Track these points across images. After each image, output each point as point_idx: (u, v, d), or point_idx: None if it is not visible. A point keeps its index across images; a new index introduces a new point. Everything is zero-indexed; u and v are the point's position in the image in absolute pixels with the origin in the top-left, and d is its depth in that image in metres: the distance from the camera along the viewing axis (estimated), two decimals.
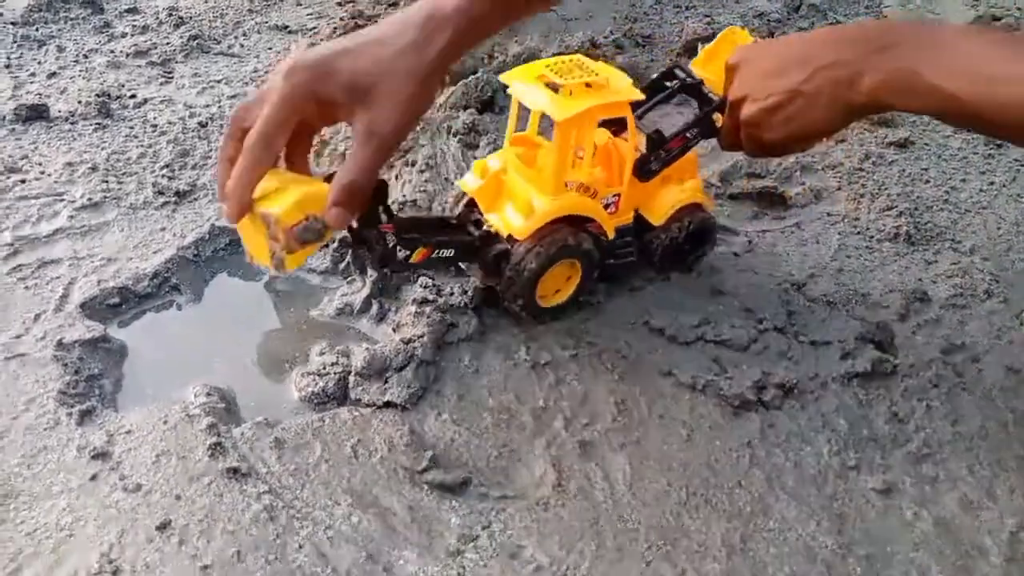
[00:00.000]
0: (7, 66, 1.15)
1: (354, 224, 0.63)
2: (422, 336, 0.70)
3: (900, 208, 0.90)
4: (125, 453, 0.62)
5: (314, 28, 1.28)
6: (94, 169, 0.94)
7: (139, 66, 1.17)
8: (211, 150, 0.98)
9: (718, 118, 0.73)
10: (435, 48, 0.56)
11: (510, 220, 0.70)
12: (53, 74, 1.14)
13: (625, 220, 0.76)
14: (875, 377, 0.71)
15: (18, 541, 0.56)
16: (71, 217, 0.86)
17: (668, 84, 0.76)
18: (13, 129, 1.00)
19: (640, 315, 0.76)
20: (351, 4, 1.32)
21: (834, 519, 0.60)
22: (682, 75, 0.76)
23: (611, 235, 0.74)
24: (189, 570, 0.55)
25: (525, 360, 0.71)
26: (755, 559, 0.58)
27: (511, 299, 0.72)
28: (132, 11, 1.32)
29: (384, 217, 0.64)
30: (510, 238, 0.70)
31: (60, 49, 1.20)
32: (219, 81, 1.14)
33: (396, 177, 0.93)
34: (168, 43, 1.23)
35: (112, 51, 1.20)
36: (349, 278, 0.80)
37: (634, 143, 0.72)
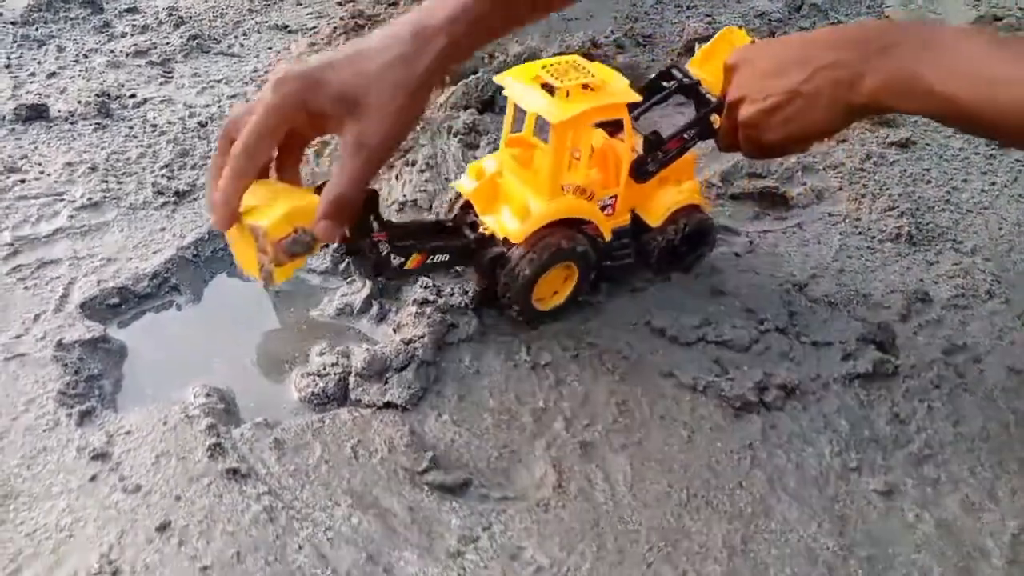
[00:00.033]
0: (7, 66, 1.15)
1: (346, 234, 0.63)
2: (422, 337, 0.70)
3: (902, 208, 0.90)
4: (125, 454, 0.62)
5: (314, 28, 1.28)
6: (94, 169, 0.93)
7: (139, 66, 1.17)
8: (211, 150, 0.98)
9: (716, 119, 0.72)
10: (425, 60, 0.56)
11: (506, 223, 0.70)
12: (53, 74, 1.13)
13: (622, 222, 0.75)
14: (877, 378, 0.71)
15: (18, 542, 0.56)
16: (71, 217, 0.86)
17: (665, 85, 0.76)
18: (13, 129, 1.00)
19: (641, 316, 0.76)
20: (351, 4, 1.32)
21: (835, 520, 0.60)
22: (679, 75, 0.76)
23: (608, 237, 0.73)
24: (189, 571, 0.55)
25: (526, 361, 0.71)
26: (756, 560, 0.57)
27: (507, 304, 0.71)
28: (132, 11, 1.32)
29: (376, 226, 0.64)
30: (506, 241, 0.70)
31: (60, 49, 1.20)
32: (219, 81, 1.14)
33: (396, 177, 0.93)
34: (168, 43, 1.23)
35: (112, 51, 1.20)
36: (349, 278, 0.79)
37: (631, 144, 0.71)
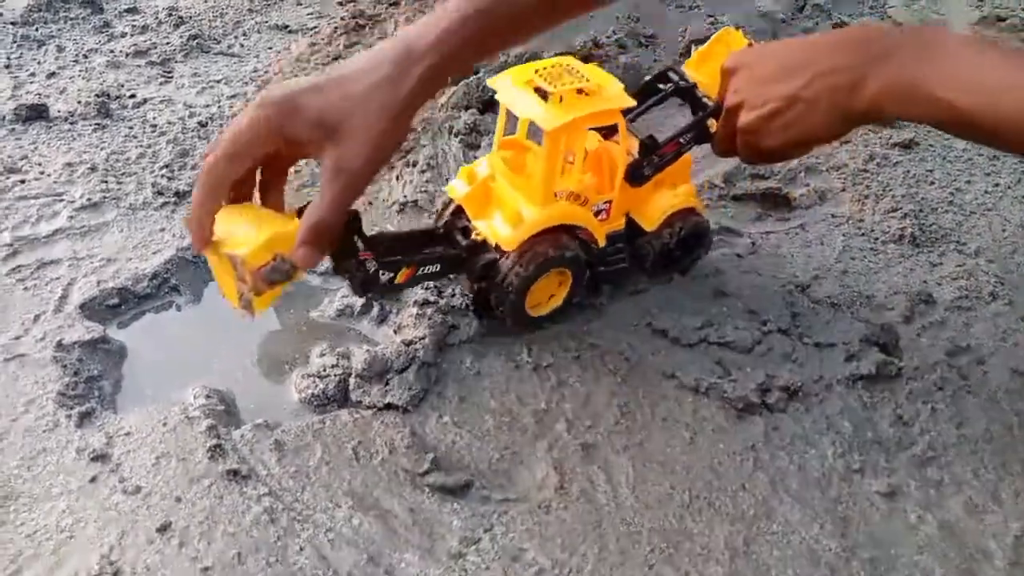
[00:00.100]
0: (7, 66, 1.14)
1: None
2: (423, 338, 0.70)
3: (905, 210, 0.90)
4: (125, 455, 0.62)
5: (314, 28, 1.28)
6: (93, 169, 0.93)
7: (139, 66, 1.17)
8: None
9: (712, 123, 0.71)
10: (409, 84, 0.56)
11: (498, 230, 0.68)
12: (53, 74, 1.13)
13: (617, 226, 0.74)
14: (879, 380, 0.71)
15: (18, 543, 0.56)
16: (70, 217, 0.86)
17: (662, 87, 0.75)
18: (13, 129, 1.00)
19: (643, 317, 0.75)
20: (352, 4, 1.32)
21: (838, 522, 0.60)
22: (676, 78, 0.75)
23: (602, 243, 0.72)
24: (190, 572, 0.54)
25: (527, 362, 0.71)
26: (758, 562, 0.57)
27: (501, 316, 0.71)
28: (132, 11, 1.32)
29: (361, 245, 0.63)
30: (498, 247, 0.69)
31: (60, 49, 1.19)
32: (219, 81, 1.14)
33: (397, 178, 0.93)
34: (168, 43, 1.23)
35: (112, 51, 1.20)
36: None
37: (626, 147, 0.71)
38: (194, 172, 0.94)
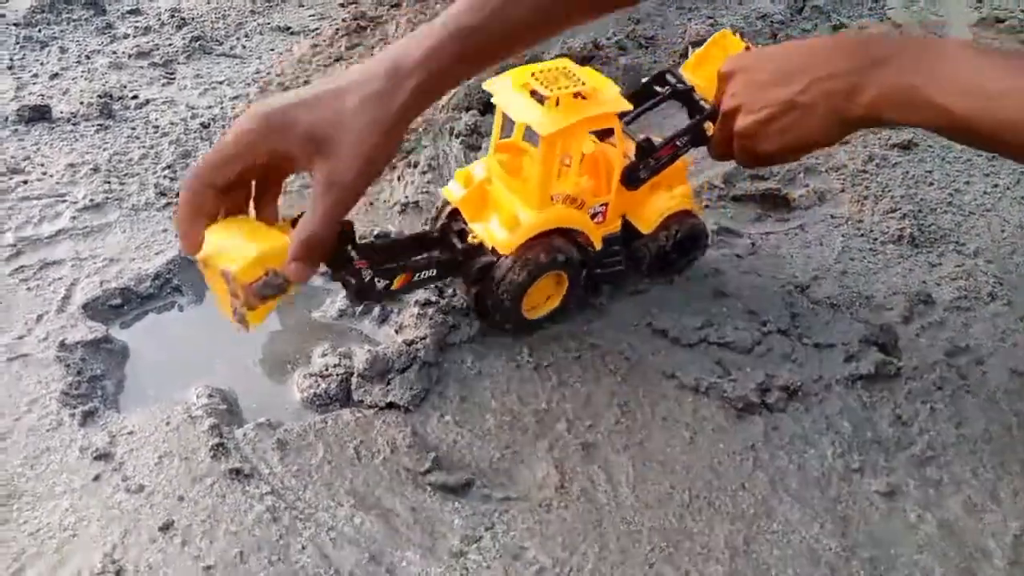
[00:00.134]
0: (10, 67, 1.15)
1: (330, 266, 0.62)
2: (424, 338, 0.70)
3: (904, 210, 0.90)
4: (127, 454, 0.62)
5: (316, 29, 1.28)
6: (96, 170, 0.94)
7: (141, 67, 1.17)
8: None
9: (709, 126, 0.71)
10: (400, 98, 0.55)
11: (494, 233, 0.68)
12: (55, 75, 1.14)
13: (613, 229, 0.74)
14: (879, 380, 0.71)
15: (21, 541, 0.56)
16: (73, 218, 0.86)
17: (659, 89, 0.75)
18: (16, 130, 1.00)
19: (643, 317, 0.76)
20: (353, 5, 1.32)
21: (838, 521, 0.60)
22: (672, 80, 0.75)
23: (598, 246, 0.72)
24: (192, 570, 0.55)
25: (528, 362, 0.71)
26: (758, 561, 0.57)
27: (497, 322, 0.71)
28: (134, 12, 1.32)
29: (355, 255, 0.63)
30: (495, 250, 0.69)
31: (62, 50, 1.20)
32: (221, 82, 1.14)
33: (398, 178, 0.93)
34: (170, 44, 1.23)
35: (114, 52, 1.20)
36: None
37: (622, 150, 0.71)
38: None
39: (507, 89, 0.66)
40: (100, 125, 1.02)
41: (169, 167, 0.95)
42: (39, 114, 1.03)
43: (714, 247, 0.85)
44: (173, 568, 0.55)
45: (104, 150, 0.97)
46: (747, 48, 0.74)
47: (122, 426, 0.64)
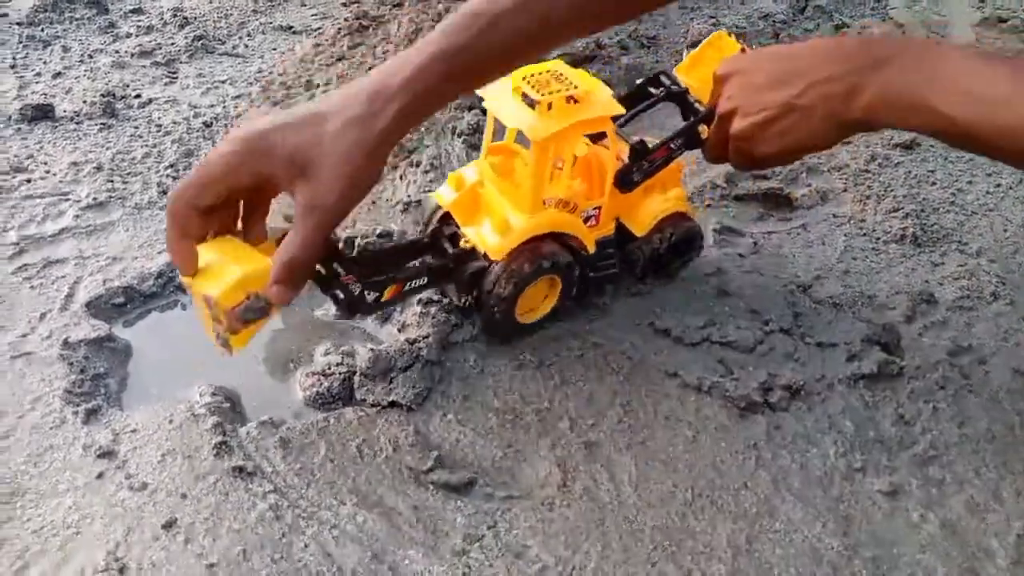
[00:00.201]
0: (13, 66, 1.15)
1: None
2: (427, 336, 0.70)
3: (906, 210, 0.90)
4: (131, 452, 0.62)
5: (318, 29, 1.28)
6: (99, 169, 0.94)
7: (144, 66, 1.17)
8: None
9: (703, 129, 0.71)
10: (383, 121, 0.55)
11: (486, 238, 0.68)
12: (58, 74, 1.14)
13: (607, 232, 0.74)
14: (881, 379, 0.71)
15: (25, 539, 0.56)
16: (76, 217, 0.86)
17: (653, 91, 0.75)
18: (19, 129, 1.01)
19: (646, 316, 0.76)
20: (355, 5, 1.32)
21: (840, 521, 0.60)
22: (667, 82, 0.75)
23: (591, 249, 0.72)
24: (195, 568, 0.55)
25: (530, 361, 0.71)
26: (761, 560, 0.57)
27: (491, 327, 0.71)
28: (137, 11, 1.32)
29: (341, 270, 0.62)
30: (486, 255, 0.68)
31: (65, 49, 1.20)
32: (223, 81, 1.14)
33: (400, 177, 0.93)
34: (173, 43, 1.23)
35: (117, 51, 1.20)
36: None
37: (615, 152, 0.70)
38: None
39: (498, 93, 0.66)
40: (103, 124, 1.02)
41: (172, 166, 0.95)
42: (42, 113, 1.03)
43: (716, 246, 0.85)
44: (176, 566, 0.55)
45: (107, 149, 0.98)
46: (743, 50, 0.73)
47: (125, 424, 0.65)
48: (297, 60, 1.17)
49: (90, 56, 1.19)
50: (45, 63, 1.16)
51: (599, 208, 0.72)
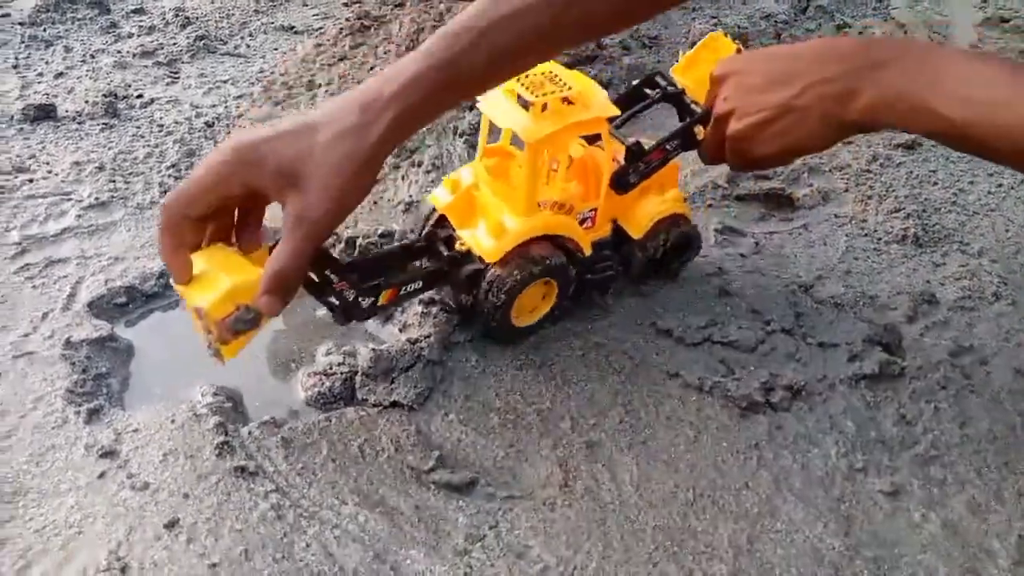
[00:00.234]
0: (15, 66, 1.15)
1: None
2: (428, 336, 0.71)
3: (908, 210, 0.90)
4: (133, 452, 0.63)
5: (320, 28, 1.28)
6: (101, 169, 0.94)
7: (146, 66, 1.18)
8: None
9: (699, 130, 0.70)
10: (375, 132, 0.54)
11: (481, 241, 0.68)
12: (60, 74, 1.14)
13: (603, 233, 0.74)
14: (883, 379, 0.71)
15: (27, 538, 0.56)
16: (78, 216, 0.87)
17: (649, 92, 0.75)
18: (21, 129, 1.01)
19: (647, 316, 0.76)
20: (357, 5, 1.33)
21: (841, 521, 0.60)
22: (663, 83, 0.74)
23: (588, 252, 0.72)
24: (197, 568, 0.55)
25: (532, 360, 0.71)
26: (762, 560, 0.57)
27: (490, 326, 0.70)
28: (138, 11, 1.33)
29: (335, 278, 0.62)
30: (481, 258, 0.68)
31: (67, 49, 1.20)
32: (225, 81, 1.14)
33: (402, 177, 0.93)
34: (175, 43, 1.23)
35: (119, 51, 1.20)
36: None
37: (611, 153, 0.70)
38: None
39: (492, 94, 0.65)
40: (105, 124, 1.02)
41: (174, 166, 0.95)
42: (44, 113, 1.03)
43: (718, 246, 0.85)
44: (178, 565, 0.55)
45: (109, 149, 0.98)
46: (738, 50, 0.73)
47: (127, 424, 0.65)
48: (299, 60, 1.17)
49: (92, 56, 1.19)
50: (47, 63, 1.17)
51: (595, 210, 0.72)
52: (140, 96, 1.09)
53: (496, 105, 0.65)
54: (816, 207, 0.92)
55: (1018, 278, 0.83)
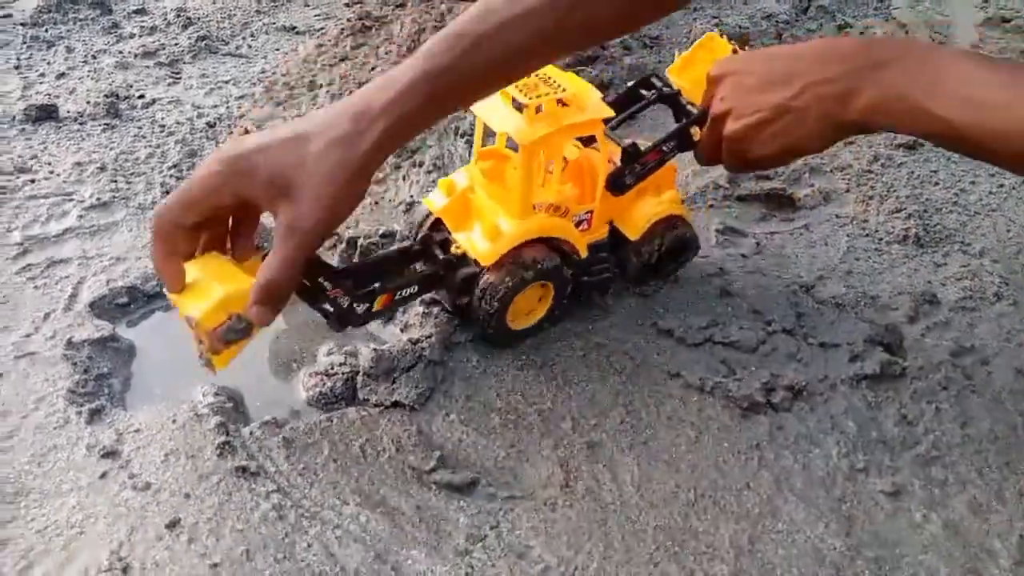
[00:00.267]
0: (17, 67, 1.15)
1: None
2: (430, 336, 0.71)
3: (909, 210, 0.90)
4: (134, 452, 0.63)
5: (322, 29, 1.29)
6: (103, 169, 0.94)
7: (147, 67, 1.18)
8: None
9: (696, 131, 0.70)
10: (366, 144, 0.54)
11: (476, 244, 0.67)
12: (62, 74, 1.14)
13: (599, 236, 0.73)
14: (884, 379, 0.71)
15: (29, 538, 0.56)
16: (80, 217, 0.87)
17: (645, 93, 0.74)
18: (23, 129, 1.01)
19: (648, 316, 0.76)
20: (359, 5, 1.33)
21: (842, 521, 0.60)
22: (659, 84, 0.74)
23: (583, 254, 0.71)
24: (198, 568, 0.55)
25: (533, 361, 0.71)
26: (763, 560, 0.57)
27: (486, 330, 0.70)
28: (140, 12, 1.33)
29: (328, 285, 0.62)
30: (477, 262, 0.68)
31: (69, 50, 1.20)
32: (227, 82, 1.15)
33: (403, 178, 0.93)
34: (176, 44, 1.23)
35: (120, 52, 1.21)
36: None
37: (607, 155, 0.70)
38: None
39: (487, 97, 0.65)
40: (106, 124, 1.03)
41: (175, 166, 0.95)
42: (46, 113, 1.03)
43: (719, 247, 0.85)
44: (179, 565, 0.55)
45: (110, 149, 0.98)
46: (734, 51, 0.73)
47: (129, 424, 0.65)
48: (300, 60, 1.17)
49: (94, 57, 1.19)
50: (49, 64, 1.17)
51: (591, 212, 0.72)
52: (142, 96, 1.09)
53: (490, 108, 0.65)
54: (817, 207, 0.92)
55: (1019, 278, 0.83)
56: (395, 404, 0.67)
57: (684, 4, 0.66)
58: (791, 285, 0.81)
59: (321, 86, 1.10)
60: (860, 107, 0.57)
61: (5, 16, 1.28)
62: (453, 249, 0.69)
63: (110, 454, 0.62)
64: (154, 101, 1.09)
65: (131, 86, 1.12)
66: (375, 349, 0.68)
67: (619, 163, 0.70)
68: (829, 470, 0.64)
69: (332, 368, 0.69)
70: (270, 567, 0.55)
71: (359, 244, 0.81)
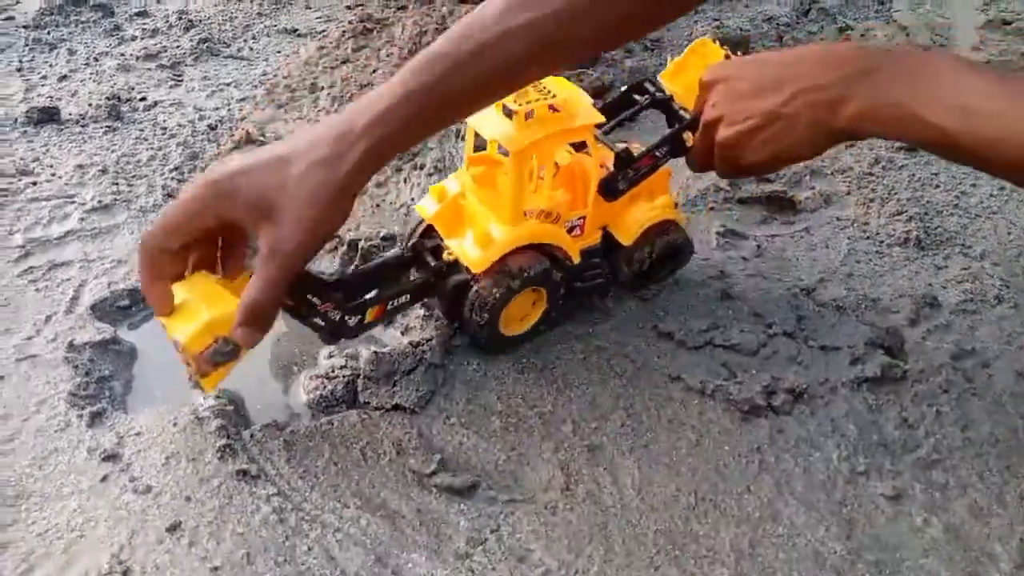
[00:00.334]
0: (19, 69, 1.15)
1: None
2: (430, 339, 0.71)
3: (910, 213, 0.90)
4: (135, 455, 0.63)
5: (323, 31, 1.29)
6: (104, 171, 0.94)
7: (149, 69, 1.18)
8: (220, 153, 0.98)
9: (688, 136, 0.70)
10: (346, 165, 0.54)
11: (467, 251, 0.67)
12: (64, 77, 1.14)
13: (592, 241, 0.73)
14: (885, 382, 0.71)
15: (29, 541, 0.56)
16: (82, 219, 0.87)
17: (637, 98, 0.74)
18: (25, 131, 1.01)
19: (648, 319, 0.76)
20: (360, 7, 1.33)
21: (843, 525, 0.60)
22: (652, 89, 0.74)
23: (576, 260, 0.71)
24: (199, 571, 0.55)
25: (533, 364, 0.71)
26: (764, 564, 0.57)
27: (479, 337, 0.70)
28: (142, 14, 1.33)
29: (317, 300, 0.62)
30: (468, 268, 0.68)
31: (71, 52, 1.21)
32: (229, 84, 1.15)
33: (404, 180, 0.94)
34: (178, 46, 1.24)
35: (122, 54, 1.21)
36: None
37: (599, 160, 0.69)
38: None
39: None
40: (108, 127, 1.03)
41: (177, 169, 0.95)
42: (48, 116, 1.03)
43: (720, 249, 0.85)
44: (180, 569, 0.55)
45: (112, 152, 0.98)
46: (727, 56, 0.73)
47: (130, 427, 0.65)
48: (302, 63, 1.17)
49: (96, 59, 1.19)
50: (51, 66, 1.17)
51: (583, 218, 0.71)
52: (143, 99, 1.10)
53: (480, 114, 0.64)
54: (818, 210, 0.92)
55: (1020, 281, 0.83)
56: (395, 407, 0.67)
57: (685, 11, 0.66)
58: (792, 288, 0.81)
59: (322, 88, 1.10)
60: (850, 114, 0.56)
61: (7, 19, 1.28)
62: (445, 256, 0.69)
63: (111, 457, 0.62)
64: (156, 103, 1.09)
65: (133, 88, 1.12)
66: (375, 352, 0.68)
67: (612, 168, 0.70)
68: (830, 473, 0.64)
69: (332, 371, 0.69)
70: (271, 570, 0.55)
71: (360, 247, 0.82)
